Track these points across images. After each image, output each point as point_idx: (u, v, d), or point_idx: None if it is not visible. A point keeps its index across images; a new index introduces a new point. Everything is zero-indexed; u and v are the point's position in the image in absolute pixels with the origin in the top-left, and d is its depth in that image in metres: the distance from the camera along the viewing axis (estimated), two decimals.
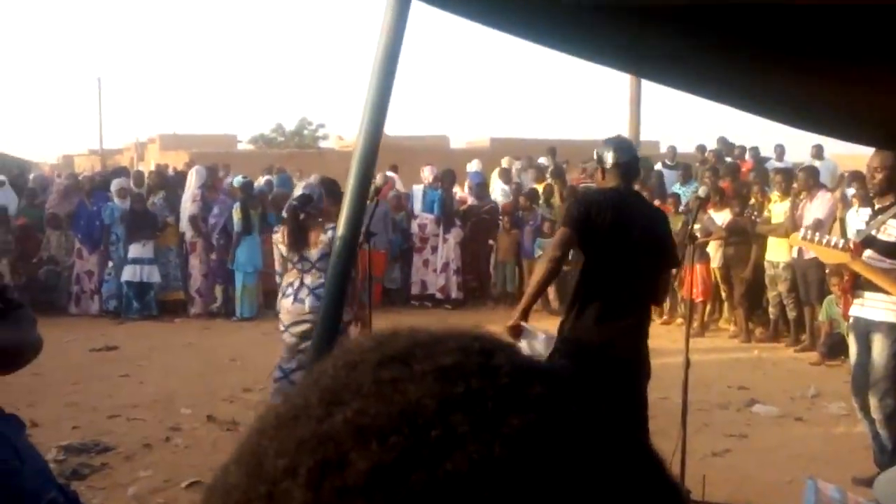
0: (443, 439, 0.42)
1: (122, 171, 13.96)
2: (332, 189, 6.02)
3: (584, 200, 4.13)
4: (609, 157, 4.12)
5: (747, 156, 14.48)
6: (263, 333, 9.08)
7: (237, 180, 11.78)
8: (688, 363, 4.88)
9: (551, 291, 11.92)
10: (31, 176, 14.94)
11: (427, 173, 12.81)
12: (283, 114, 73.26)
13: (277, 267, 6.11)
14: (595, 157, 4.28)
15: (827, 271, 8.20)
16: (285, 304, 5.79)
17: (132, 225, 11.25)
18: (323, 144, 34.97)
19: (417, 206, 12.48)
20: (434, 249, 12.19)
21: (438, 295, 12.31)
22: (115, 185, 11.84)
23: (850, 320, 5.31)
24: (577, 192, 11.89)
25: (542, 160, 15.43)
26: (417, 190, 12.71)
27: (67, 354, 8.40)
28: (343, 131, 36.09)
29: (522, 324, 4.13)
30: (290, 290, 5.79)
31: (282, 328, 5.85)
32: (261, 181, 12.56)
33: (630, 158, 4.16)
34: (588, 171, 14.34)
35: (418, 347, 0.49)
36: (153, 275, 11.29)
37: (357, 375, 0.47)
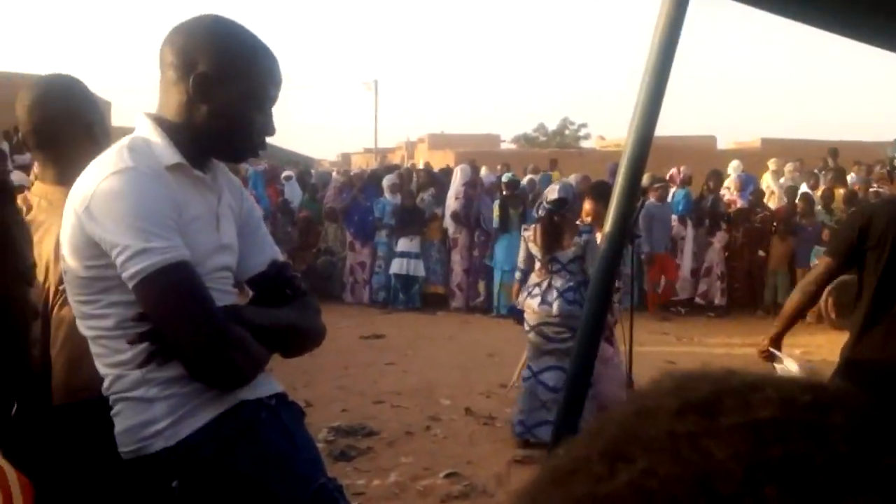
0: None
1: (393, 168, 14.69)
2: (600, 190, 5.96)
3: (859, 219, 3.59)
4: None
5: None
6: (520, 331, 9.14)
7: (505, 176, 12.01)
8: None
9: (827, 304, 11.07)
10: (314, 172, 16.14)
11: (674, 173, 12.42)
12: (546, 114, 73.89)
13: (520, 263, 6.11)
14: (888, 158, 3.84)
15: None
16: (531, 303, 5.77)
17: (402, 219, 11.80)
18: (584, 144, 34.89)
19: None
20: (681, 252, 11.70)
21: (699, 300, 11.83)
22: (386, 181, 12.49)
23: None
24: (857, 204, 10.94)
25: (827, 162, 14.36)
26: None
27: (339, 340, 8.94)
28: (604, 131, 35.81)
29: (773, 350, 3.81)
30: (536, 291, 5.77)
31: (527, 328, 5.85)
32: (524, 180, 12.70)
33: None
34: (876, 176, 13.19)
35: (727, 395, 0.40)
36: (419, 268, 11.79)
37: (648, 426, 0.40)
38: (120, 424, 1.81)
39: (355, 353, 8.80)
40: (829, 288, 3.96)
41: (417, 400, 7.10)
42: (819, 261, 3.74)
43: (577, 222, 5.94)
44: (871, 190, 12.05)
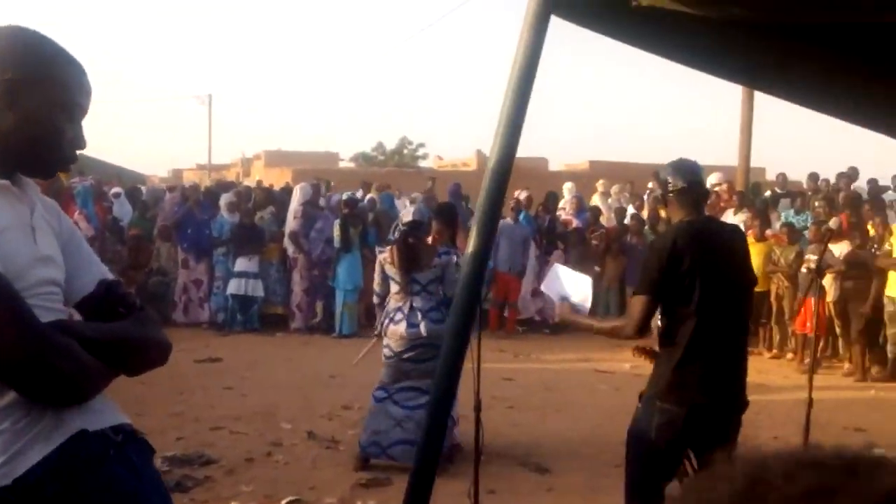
0: None
1: (229, 186, 14.33)
2: (446, 212, 6.01)
3: (662, 250, 3.59)
4: (674, 182, 3.71)
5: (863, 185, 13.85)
6: (360, 350, 9.11)
7: (345, 195, 11.95)
8: (811, 403, 4.63)
9: (654, 319, 11.63)
10: (144, 188, 15.50)
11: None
12: (384, 133, 74.18)
13: (376, 287, 6.05)
14: (659, 183, 3.91)
15: None
16: (397, 330, 5.68)
17: (240, 239, 11.49)
18: (422, 164, 35.28)
19: None
20: (523, 274, 12.01)
21: (537, 318, 12.16)
22: (224, 199, 12.14)
23: None
24: (653, 243, 11.55)
25: (651, 185, 15.11)
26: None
27: (173, 364, 8.43)
28: (442, 151, 36.38)
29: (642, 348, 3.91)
30: (399, 316, 5.71)
31: (389, 354, 5.76)
32: (364, 198, 12.67)
33: (696, 180, 3.73)
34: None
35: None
36: (257, 289, 11.52)
37: None
38: None
39: (190, 378, 8.45)
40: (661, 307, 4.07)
41: (257, 425, 6.89)
42: (635, 302, 3.71)
43: (431, 243, 5.95)
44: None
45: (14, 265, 1.66)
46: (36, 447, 1.65)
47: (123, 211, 12.88)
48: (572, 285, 4.00)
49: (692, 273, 3.56)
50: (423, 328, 5.62)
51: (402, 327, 5.67)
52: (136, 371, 1.88)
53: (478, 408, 4.30)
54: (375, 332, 6.29)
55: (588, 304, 3.92)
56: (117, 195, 13.24)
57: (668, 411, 3.63)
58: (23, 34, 1.79)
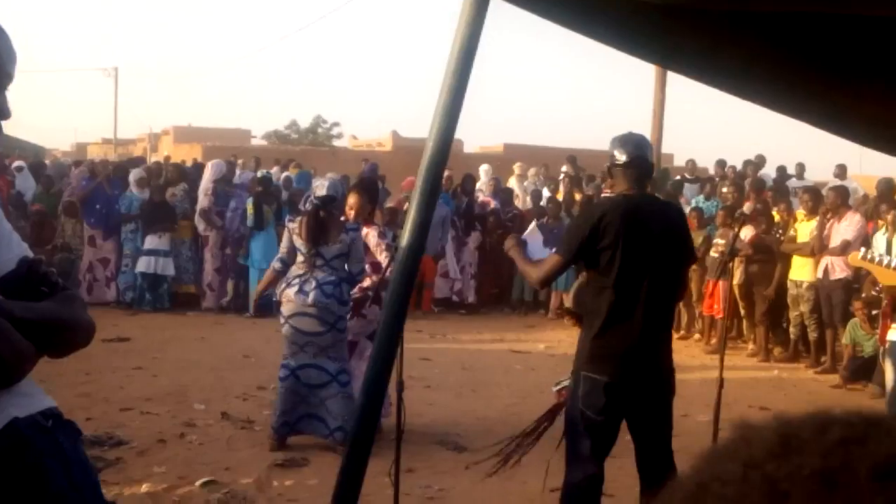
0: None
1: (139, 161, 13.92)
2: (369, 187, 6.01)
3: (591, 219, 3.72)
4: (618, 156, 3.78)
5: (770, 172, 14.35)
6: (277, 331, 8.95)
7: (259, 173, 11.74)
8: (721, 382, 4.77)
9: (568, 300, 11.82)
10: (48, 163, 14.92)
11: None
12: (298, 111, 73.20)
13: (282, 253, 5.99)
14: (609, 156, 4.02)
15: (863, 294, 8.07)
16: (288, 293, 5.70)
17: (150, 216, 11.17)
18: (337, 143, 34.98)
19: None
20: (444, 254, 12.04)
21: (455, 298, 12.21)
22: (134, 174, 11.78)
23: (888, 345, 5.19)
24: (582, 210, 11.78)
25: (565, 168, 15.33)
26: None
27: None
28: (357, 130, 36.10)
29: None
30: (296, 281, 5.70)
31: (281, 320, 5.78)
32: (279, 176, 12.47)
33: (640, 155, 3.80)
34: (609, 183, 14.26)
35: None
36: (168, 267, 11.22)
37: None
38: None
39: (97, 358, 8.15)
40: (572, 290, 4.21)
41: (169, 405, 6.74)
42: (549, 257, 3.91)
43: (342, 219, 5.93)
44: (602, 195, 13.02)
45: None
46: None
47: (26, 185, 12.38)
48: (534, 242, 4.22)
49: (615, 247, 3.63)
50: (311, 297, 5.61)
51: (292, 291, 5.68)
52: (63, 353, 1.82)
53: (400, 387, 4.30)
54: (272, 295, 6.27)
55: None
56: (20, 169, 12.72)
57: (590, 380, 3.73)
58: None
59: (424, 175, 2.22)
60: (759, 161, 14.08)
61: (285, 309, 5.73)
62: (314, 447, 5.71)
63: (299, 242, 5.78)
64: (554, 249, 3.99)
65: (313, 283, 5.66)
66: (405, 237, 2.22)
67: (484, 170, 14.28)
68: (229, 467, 5.37)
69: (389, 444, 4.47)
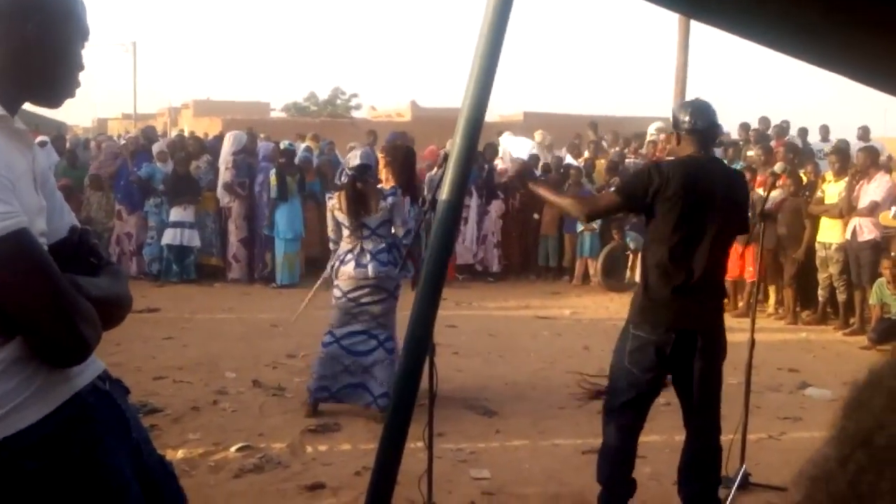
0: None
1: (149, 131, 13.94)
2: (404, 154, 6.01)
3: (658, 178, 3.71)
4: (686, 122, 3.82)
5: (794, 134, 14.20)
6: (303, 300, 9.05)
7: (283, 144, 11.75)
8: (752, 343, 4.76)
9: (593, 267, 11.82)
10: (68, 138, 15.00)
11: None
12: (317, 83, 73.01)
13: (331, 234, 6.02)
14: (672, 120, 4.04)
15: (892, 254, 8.00)
16: (346, 270, 5.69)
17: (174, 188, 11.23)
18: (356, 114, 34.89)
19: None
20: (465, 221, 12.00)
21: (478, 267, 12.22)
22: (156, 147, 11.84)
23: None
24: (619, 174, 11.71)
25: (588, 135, 15.22)
26: None
27: None
28: (376, 101, 36.03)
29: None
30: (349, 257, 5.71)
31: (338, 295, 5.75)
32: (300, 148, 12.46)
33: (709, 124, 3.86)
34: (632, 148, 14.14)
35: None
36: (193, 239, 11.29)
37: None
38: None
39: (128, 328, 8.09)
40: (601, 258, 4.27)
41: (201, 374, 6.82)
42: (605, 194, 3.95)
43: (379, 186, 5.92)
44: (626, 161, 12.95)
45: (28, 218, 1.58)
46: (32, 407, 1.60)
47: (50, 160, 12.44)
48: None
49: (674, 203, 3.66)
50: (370, 269, 5.63)
51: (350, 267, 5.68)
52: (109, 327, 1.81)
53: (432, 351, 4.32)
54: (325, 276, 6.29)
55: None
56: (43, 144, 12.77)
57: (639, 337, 3.75)
58: None
59: (460, 141, 2.21)
60: (785, 125, 13.98)
61: (344, 285, 5.72)
62: (346, 413, 5.76)
63: (342, 217, 5.78)
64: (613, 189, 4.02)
65: (368, 256, 5.66)
66: (444, 193, 2.21)
67: (504, 138, 14.21)
68: (262, 433, 5.42)
69: (420, 409, 4.49)
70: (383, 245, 5.71)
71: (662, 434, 4.96)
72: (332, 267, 5.85)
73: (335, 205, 5.83)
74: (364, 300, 5.67)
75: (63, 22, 1.69)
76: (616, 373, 3.88)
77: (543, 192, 4.25)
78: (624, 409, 3.85)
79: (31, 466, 1.59)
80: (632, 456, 3.95)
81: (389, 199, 5.73)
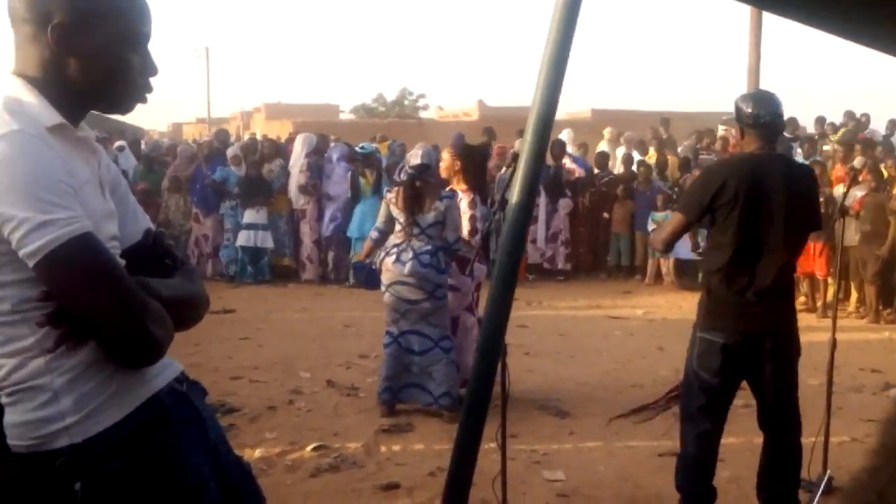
0: None
1: (222, 134, 14.22)
2: (478, 155, 6.02)
3: (715, 181, 3.63)
4: (749, 114, 3.68)
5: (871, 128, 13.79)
6: (375, 301, 9.11)
7: (360, 147, 11.88)
8: (834, 343, 4.64)
9: (666, 265, 11.66)
10: (143, 142, 15.41)
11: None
12: (385, 84, 73.58)
13: (379, 224, 6.07)
14: (735, 113, 3.92)
15: None
16: (387, 262, 5.77)
17: (247, 191, 11.45)
18: (423, 114, 35.03)
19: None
20: (535, 220, 11.91)
21: (547, 266, 12.15)
22: (230, 151, 12.09)
23: None
24: (690, 170, 11.51)
25: (659, 131, 15.00)
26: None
27: None
28: (443, 101, 36.10)
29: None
30: (394, 250, 5.78)
31: (383, 287, 5.85)
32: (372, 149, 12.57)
33: (774, 116, 3.70)
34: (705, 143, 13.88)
35: None
36: (267, 240, 11.50)
37: None
38: (15, 416, 1.63)
39: (205, 329, 8.32)
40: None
41: (276, 374, 6.93)
42: (673, 218, 3.86)
43: (436, 187, 5.96)
44: (700, 157, 12.73)
45: (93, 222, 1.61)
46: (110, 410, 1.64)
47: (128, 164, 12.81)
48: None
49: (734, 204, 3.56)
50: (408, 267, 5.67)
51: (390, 261, 5.75)
52: (186, 327, 1.83)
53: (503, 352, 4.31)
54: (372, 264, 6.35)
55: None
56: (121, 148, 13.16)
57: (706, 341, 3.68)
58: None
59: (530, 141, 2.20)
60: (865, 119, 13.59)
61: (385, 277, 5.81)
62: (418, 413, 5.80)
63: (396, 212, 5.84)
64: (675, 208, 3.95)
65: (410, 253, 5.72)
66: (514, 195, 2.21)
67: (567, 136, 14.08)
68: (337, 433, 5.49)
69: (493, 410, 4.49)
70: (430, 246, 5.73)
71: (741, 436, 4.86)
72: (380, 257, 5.91)
73: (392, 199, 5.90)
74: (406, 297, 5.71)
75: (119, 31, 1.69)
76: (688, 378, 3.82)
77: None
78: (699, 415, 3.78)
79: (112, 467, 1.63)
80: (712, 463, 3.88)
81: (444, 202, 5.76)
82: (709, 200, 3.61)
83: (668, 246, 3.87)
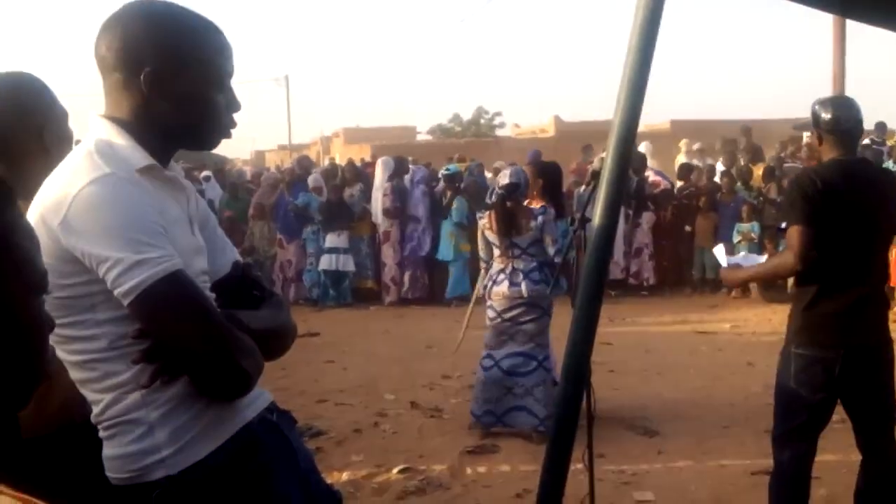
0: None
1: (304, 161, 14.52)
2: (552, 171, 6.00)
3: (811, 184, 3.47)
4: (829, 121, 3.54)
5: None
6: (456, 321, 9.14)
7: (446, 169, 11.99)
8: None
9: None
10: (226, 170, 15.83)
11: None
12: (460, 103, 74.02)
13: (481, 253, 6.08)
14: (812, 118, 3.77)
15: None
16: (500, 290, 5.72)
17: (329, 215, 11.63)
18: (499, 132, 35.08)
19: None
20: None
21: (632, 281, 11.99)
22: (311, 180, 12.31)
23: None
24: (776, 179, 11.23)
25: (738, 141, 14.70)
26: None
27: None
28: (519, 119, 36.11)
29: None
30: (502, 277, 5.74)
31: (492, 315, 5.79)
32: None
33: (854, 123, 3.56)
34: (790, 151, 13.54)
35: None
36: (348, 263, 11.66)
37: None
38: (113, 449, 1.68)
39: (292, 353, 8.34)
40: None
41: (361, 396, 7.00)
42: (793, 230, 3.60)
43: (527, 205, 5.91)
44: (785, 165, 12.42)
45: (183, 259, 1.66)
46: (203, 441, 1.67)
47: (214, 193, 13.17)
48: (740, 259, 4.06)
49: (824, 216, 3.43)
50: (524, 288, 5.63)
51: (504, 287, 5.71)
52: (276, 357, 1.87)
53: (588, 372, 4.26)
54: (478, 295, 6.33)
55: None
56: (207, 178, 13.54)
57: (803, 357, 3.54)
58: (152, 15, 1.73)
59: (612, 159, 2.17)
60: None
61: (498, 305, 5.75)
62: (503, 434, 5.77)
63: (492, 236, 5.83)
64: (784, 225, 3.74)
65: (521, 275, 5.69)
66: (597, 217, 2.18)
67: (646, 148, 13.90)
68: (423, 455, 5.50)
69: (579, 430, 4.44)
70: (534, 263, 5.71)
71: (837, 453, 4.69)
72: (486, 287, 5.89)
73: (485, 224, 5.88)
74: (521, 319, 5.67)
75: (205, 73, 1.75)
76: (783, 398, 3.67)
77: (741, 276, 4.06)
78: (797, 435, 3.64)
79: (206, 498, 1.66)
80: (807, 483, 3.74)
81: (540, 219, 5.72)
82: (813, 202, 3.45)
83: (806, 260, 3.57)
